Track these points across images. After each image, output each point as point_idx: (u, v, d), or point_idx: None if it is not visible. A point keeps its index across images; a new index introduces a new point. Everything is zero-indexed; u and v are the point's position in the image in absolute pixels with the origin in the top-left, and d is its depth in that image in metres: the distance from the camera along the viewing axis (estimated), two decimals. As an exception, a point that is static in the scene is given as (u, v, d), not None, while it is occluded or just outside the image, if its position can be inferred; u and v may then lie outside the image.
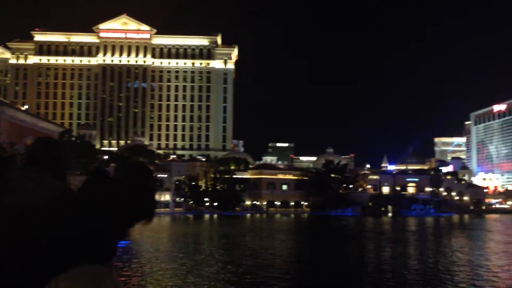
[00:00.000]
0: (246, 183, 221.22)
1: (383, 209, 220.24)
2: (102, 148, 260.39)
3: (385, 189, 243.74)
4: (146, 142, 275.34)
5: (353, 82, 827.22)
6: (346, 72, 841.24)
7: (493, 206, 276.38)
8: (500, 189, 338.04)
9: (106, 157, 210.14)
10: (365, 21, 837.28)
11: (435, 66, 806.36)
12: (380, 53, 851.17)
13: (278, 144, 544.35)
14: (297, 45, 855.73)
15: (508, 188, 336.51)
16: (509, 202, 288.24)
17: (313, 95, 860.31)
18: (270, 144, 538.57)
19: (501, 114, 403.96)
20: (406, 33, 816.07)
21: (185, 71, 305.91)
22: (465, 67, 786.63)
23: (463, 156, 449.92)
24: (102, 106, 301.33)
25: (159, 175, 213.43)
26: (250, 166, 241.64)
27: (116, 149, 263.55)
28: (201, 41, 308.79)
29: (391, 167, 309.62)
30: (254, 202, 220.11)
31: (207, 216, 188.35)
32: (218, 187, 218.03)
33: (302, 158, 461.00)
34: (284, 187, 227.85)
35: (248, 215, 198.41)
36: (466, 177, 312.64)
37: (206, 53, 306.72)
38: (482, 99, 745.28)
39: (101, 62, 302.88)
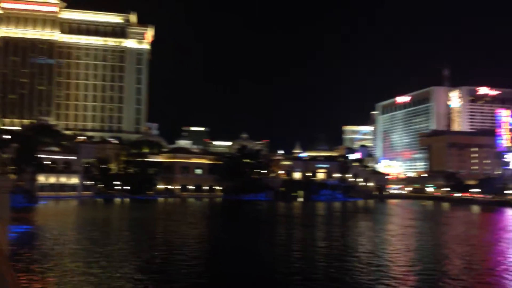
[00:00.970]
0: (159, 167, 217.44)
1: (294, 194, 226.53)
2: (4, 127, 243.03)
3: (297, 175, 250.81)
4: (53, 122, 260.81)
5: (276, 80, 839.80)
6: (262, 57, 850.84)
7: (395, 191, 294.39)
8: (401, 176, 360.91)
9: (7, 136, 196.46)
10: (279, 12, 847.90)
11: (348, 56, 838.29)
12: (294, 45, 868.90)
13: (193, 128, 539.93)
14: (214, 29, 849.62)
15: (408, 175, 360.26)
16: (408, 188, 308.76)
17: (230, 80, 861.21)
18: (184, 128, 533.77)
19: (404, 105, 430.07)
20: (320, 25, 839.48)
21: (96, 49, 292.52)
22: (373, 59, 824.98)
23: (369, 144, 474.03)
24: (3, 82, 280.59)
25: (66, 157, 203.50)
26: (164, 150, 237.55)
27: (19, 128, 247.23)
28: (114, 18, 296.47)
29: (303, 154, 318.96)
30: (167, 186, 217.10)
31: (118, 200, 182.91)
32: (130, 171, 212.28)
33: (217, 143, 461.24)
34: (198, 171, 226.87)
35: (161, 199, 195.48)
36: (371, 164, 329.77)
37: (119, 31, 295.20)
38: (388, 90, 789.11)
39: (2, 34, 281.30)
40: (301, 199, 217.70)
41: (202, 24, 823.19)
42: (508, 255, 66.61)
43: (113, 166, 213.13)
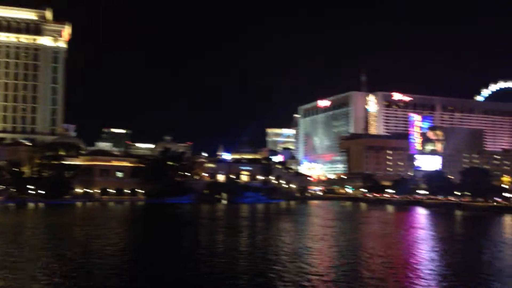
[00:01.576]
0: (77, 170, 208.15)
1: (218, 196, 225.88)
2: None
3: (221, 177, 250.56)
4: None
5: (182, 79, 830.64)
6: (181, 59, 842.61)
7: (316, 192, 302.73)
8: (322, 178, 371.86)
9: None
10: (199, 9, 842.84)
11: (271, 60, 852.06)
12: (215, 42, 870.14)
13: (114, 130, 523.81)
14: (136, 28, 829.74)
15: (329, 177, 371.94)
16: (328, 189, 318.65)
17: (151, 81, 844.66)
18: (105, 130, 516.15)
19: (325, 109, 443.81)
20: (240, 22, 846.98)
21: (8, 46, 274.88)
22: (297, 63, 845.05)
23: (292, 147, 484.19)
24: None
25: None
26: (82, 152, 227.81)
27: None
28: (29, 14, 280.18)
29: (227, 156, 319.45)
30: (86, 190, 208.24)
31: (31, 205, 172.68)
32: (44, 174, 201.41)
33: (139, 145, 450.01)
34: (119, 174, 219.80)
35: (79, 203, 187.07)
36: (294, 166, 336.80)
37: (33, 28, 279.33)
38: (310, 94, 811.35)
39: None
40: (225, 202, 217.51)
41: (121, 23, 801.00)
42: (418, 250, 70.33)
43: (26, 169, 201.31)
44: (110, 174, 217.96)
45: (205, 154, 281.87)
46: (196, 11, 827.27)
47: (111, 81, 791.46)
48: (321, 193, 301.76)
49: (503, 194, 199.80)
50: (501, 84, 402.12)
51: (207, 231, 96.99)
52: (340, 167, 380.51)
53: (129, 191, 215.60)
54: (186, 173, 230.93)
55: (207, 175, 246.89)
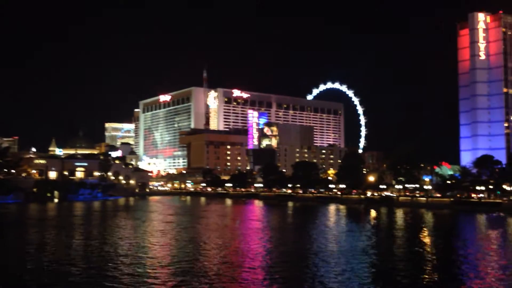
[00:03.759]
0: None
1: (49, 194, 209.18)
2: None
3: (52, 174, 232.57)
4: None
5: (20, 64, 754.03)
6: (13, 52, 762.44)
7: (156, 188, 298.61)
8: (163, 173, 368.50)
9: None
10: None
11: (108, 53, 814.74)
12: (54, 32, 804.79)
13: None
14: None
15: (169, 172, 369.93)
16: (169, 185, 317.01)
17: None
18: None
19: (166, 104, 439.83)
20: (81, 9, 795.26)
21: None
22: (136, 57, 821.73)
23: (132, 142, 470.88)
24: None
25: None
26: None
27: None
28: None
29: (60, 151, 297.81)
30: None
31: None
32: None
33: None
34: None
35: None
36: (133, 162, 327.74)
37: None
38: (150, 88, 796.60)
39: None
40: (56, 200, 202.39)
41: None
42: (254, 240, 73.12)
43: None
44: None
45: (34, 149, 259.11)
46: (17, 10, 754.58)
47: None
48: (161, 188, 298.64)
49: (329, 185, 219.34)
50: (329, 85, 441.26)
51: (33, 232, 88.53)
52: (181, 162, 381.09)
53: None
54: (11, 170, 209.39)
55: (36, 171, 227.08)
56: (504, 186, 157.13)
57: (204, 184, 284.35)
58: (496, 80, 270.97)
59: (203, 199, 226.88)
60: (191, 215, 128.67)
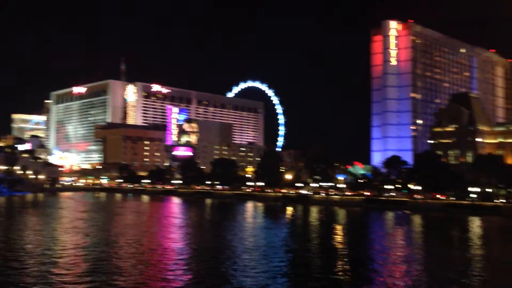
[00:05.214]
0: None
1: None
2: None
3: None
4: None
5: None
6: None
7: (69, 183, 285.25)
8: (76, 168, 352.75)
9: None
10: None
11: (20, 42, 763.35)
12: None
13: None
14: None
15: (82, 167, 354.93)
16: (83, 180, 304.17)
17: None
18: None
19: (80, 96, 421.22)
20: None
21: None
22: (47, 47, 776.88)
23: (42, 135, 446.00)
24: None
25: None
26: None
27: None
28: None
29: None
30: None
31: None
32: None
33: None
34: None
35: None
36: (43, 156, 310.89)
37: None
38: (63, 79, 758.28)
39: None
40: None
41: None
42: (169, 237, 72.02)
43: None
44: None
45: None
46: None
47: None
48: (74, 184, 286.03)
49: (247, 183, 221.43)
50: (249, 84, 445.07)
51: None
52: (96, 157, 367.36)
53: None
54: None
55: None
56: (410, 186, 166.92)
57: (120, 180, 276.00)
58: (405, 85, 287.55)
59: (118, 195, 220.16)
60: (105, 212, 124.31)
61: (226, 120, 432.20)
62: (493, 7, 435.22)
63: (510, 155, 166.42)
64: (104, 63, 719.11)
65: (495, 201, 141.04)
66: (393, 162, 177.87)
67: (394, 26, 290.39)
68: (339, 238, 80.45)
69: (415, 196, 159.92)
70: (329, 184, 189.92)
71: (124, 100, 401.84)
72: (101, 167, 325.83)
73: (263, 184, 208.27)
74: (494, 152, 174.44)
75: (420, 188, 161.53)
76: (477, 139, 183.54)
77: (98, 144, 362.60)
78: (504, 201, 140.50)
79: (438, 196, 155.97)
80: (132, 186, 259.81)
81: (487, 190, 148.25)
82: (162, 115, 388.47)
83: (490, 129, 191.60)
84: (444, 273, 50.17)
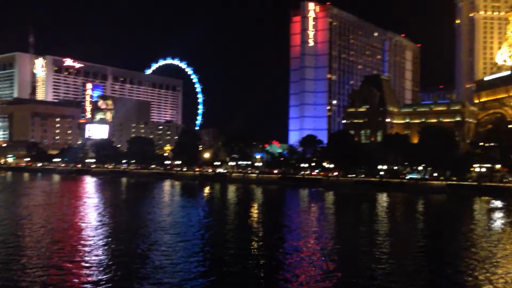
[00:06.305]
0: None
1: None
2: None
3: None
4: None
5: None
6: None
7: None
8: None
9: None
10: None
11: None
12: None
13: None
14: None
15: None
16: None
17: None
18: None
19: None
20: None
21: None
22: None
23: None
24: None
25: None
26: None
27: None
28: None
29: None
30: None
31: None
32: None
33: None
34: None
35: None
36: None
37: None
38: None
39: None
40: None
41: None
42: (83, 218, 69.48)
43: None
44: None
45: None
46: None
47: None
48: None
49: (165, 162, 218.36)
50: (168, 61, 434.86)
51: None
52: (1, 135, 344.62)
53: None
54: None
55: None
56: (324, 164, 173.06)
57: (28, 159, 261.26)
58: (322, 66, 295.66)
59: (26, 175, 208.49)
60: (11, 192, 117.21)
61: (143, 97, 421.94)
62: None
63: (415, 135, 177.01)
64: (11, 36, 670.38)
65: (400, 177, 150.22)
66: (309, 141, 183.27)
67: (312, 8, 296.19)
68: (255, 214, 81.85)
69: (329, 174, 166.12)
70: (247, 162, 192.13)
71: (33, 75, 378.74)
72: (6, 145, 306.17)
73: (180, 162, 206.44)
74: (402, 132, 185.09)
75: (333, 166, 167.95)
76: (386, 120, 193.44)
77: (3, 121, 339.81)
78: (408, 177, 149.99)
79: (349, 174, 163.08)
80: (42, 165, 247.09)
81: (394, 168, 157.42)
82: (75, 91, 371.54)
83: (398, 110, 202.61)
84: (353, 245, 52.75)
